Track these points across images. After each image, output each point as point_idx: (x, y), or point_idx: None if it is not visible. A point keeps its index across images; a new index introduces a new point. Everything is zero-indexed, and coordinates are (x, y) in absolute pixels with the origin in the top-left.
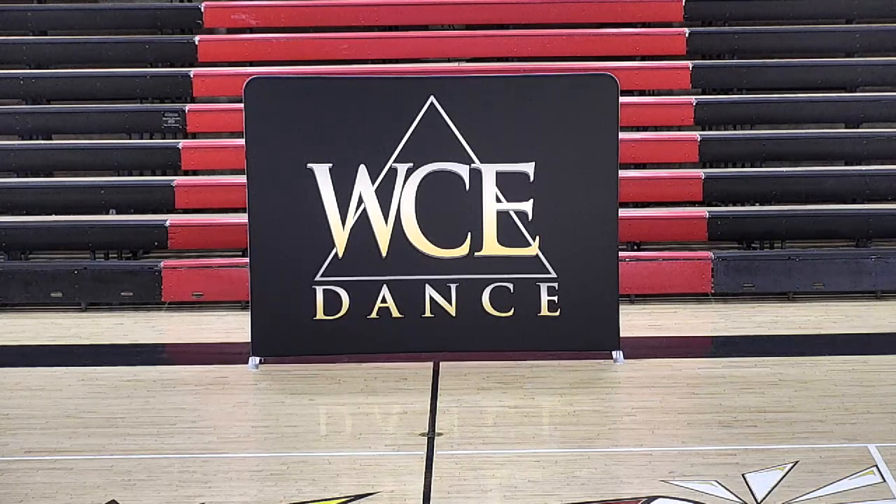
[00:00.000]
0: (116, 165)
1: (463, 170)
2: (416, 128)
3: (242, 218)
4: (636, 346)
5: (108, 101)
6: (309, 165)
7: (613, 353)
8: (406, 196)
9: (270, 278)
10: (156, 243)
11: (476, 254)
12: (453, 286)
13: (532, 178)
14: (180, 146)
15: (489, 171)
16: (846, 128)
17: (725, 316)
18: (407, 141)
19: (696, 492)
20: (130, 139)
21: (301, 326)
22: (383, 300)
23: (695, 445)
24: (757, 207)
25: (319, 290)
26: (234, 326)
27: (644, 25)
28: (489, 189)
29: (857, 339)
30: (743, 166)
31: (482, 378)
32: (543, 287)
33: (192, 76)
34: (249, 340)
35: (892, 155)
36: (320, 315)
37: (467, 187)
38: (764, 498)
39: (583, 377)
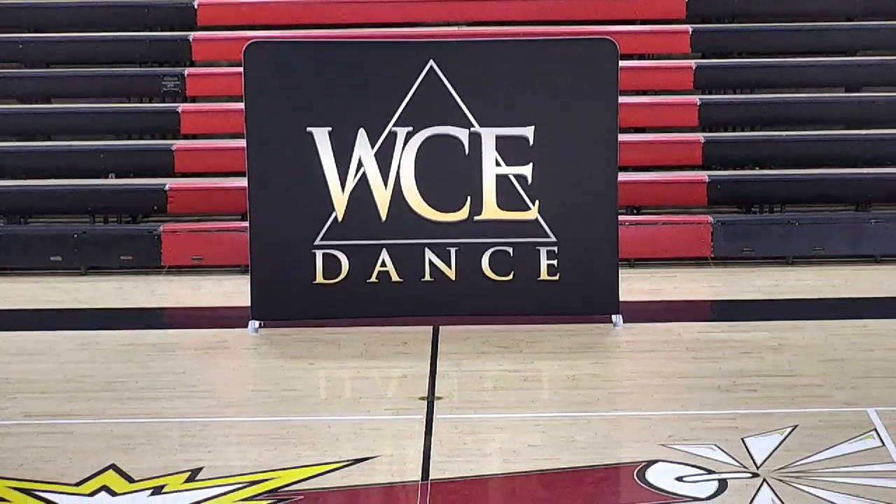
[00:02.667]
0: (115, 129)
1: (462, 134)
2: (415, 92)
3: (242, 182)
4: (636, 311)
5: (108, 66)
6: (308, 129)
7: (613, 317)
8: (405, 160)
9: (270, 242)
10: (155, 207)
11: (475, 218)
12: (453, 250)
13: (531, 142)
14: (179, 110)
15: (489, 135)
16: (847, 92)
17: (725, 280)
18: (406, 105)
19: (696, 456)
20: (129, 103)
21: (300, 290)
22: (383, 264)
23: (694, 410)
24: (757, 171)
25: (319, 254)
26: (234, 290)
27: None
28: (489, 153)
29: (856, 304)
30: (743, 130)
31: (482, 342)
32: (543, 251)
33: (191, 40)
34: (249, 304)
35: (893, 119)
36: (320, 279)
37: (467, 151)
38: (763, 462)
39: (582, 341)
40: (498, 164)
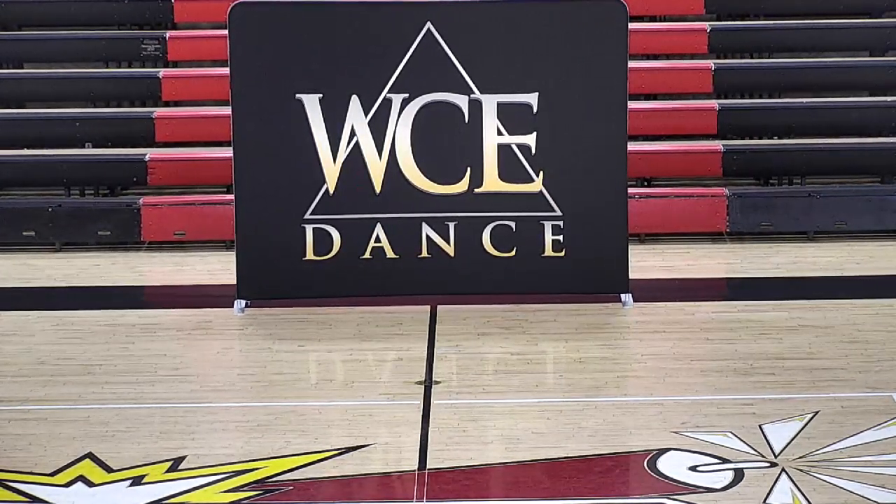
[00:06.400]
0: (92, 96)
1: (462, 101)
2: (411, 56)
3: (227, 152)
4: (646, 289)
5: (84, 28)
6: (298, 96)
7: (622, 295)
8: (401, 129)
9: (257, 216)
10: (135, 179)
11: (476, 190)
12: (452, 225)
13: (536, 110)
14: (160, 75)
15: (490, 102)
16: (871, 56)
17: (741, 256)
18: (402, 70)
19: (710, 444)
20: (107, 68)
21: (289, 267)
22: (377, 240)
23: (709, 395)
24: (775, 141)
25: (309, 229)
26: (219, 267)
27: None
28: (490, 121)
29: (881, 282)
30: (760, 97)
31: (482, 322)
32: (548, 226)
33: (172, 0)
34: (234, 282)
35: None
36: (310, 255)
37: (466, 119)
38: (782, 450)
39: (589, 321)
40: (500, 132)
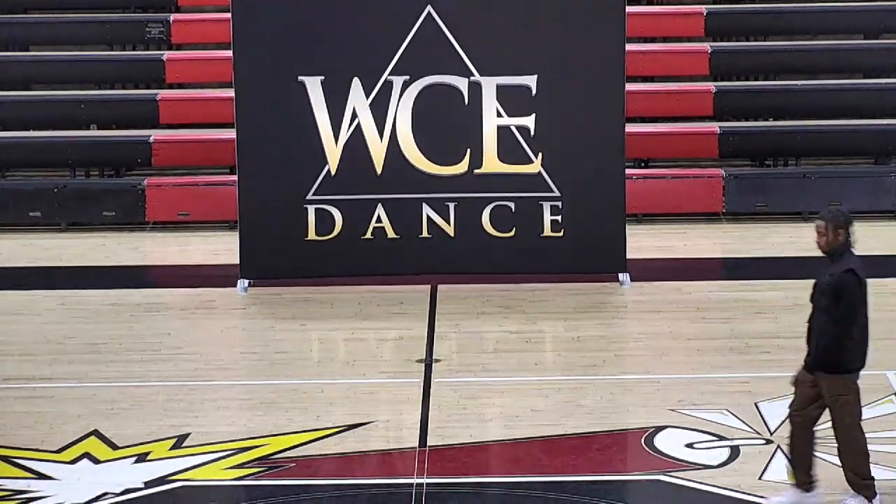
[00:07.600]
0: (97, 78)
1: (462, 83)
2: (412, 39)
3: (230, 133)
4: (643, 269)
5: (89, 11)
6: (300, 78)
7: (620, 275)
8: (402, 110)
9: (260, 197)
10: (139, 160)
11: (476, 171)
12: (452, 205)
13: (534, 92)
14: (164, 58)
15: (489, 85)
16: (865, 39)
17: (737, 236)
18: (403, 53)
19: (707, 421)
20: (112, 51)
21: (292, 247)
22: (378, 220)
23: (705, 373)
24: (770, 122)
25: (311, 210)
26: (222, 248)
27: None
28: (489, 103)
29: (875, 261)
30: (756, 79)
31: (482, 302)
32: (546, 206)
33: None
34: (237, 262)
35: None
36: (312, 235)
37: (466, 101)
38: (777, 428)
39: (587, 301)
40: (499, 114)
